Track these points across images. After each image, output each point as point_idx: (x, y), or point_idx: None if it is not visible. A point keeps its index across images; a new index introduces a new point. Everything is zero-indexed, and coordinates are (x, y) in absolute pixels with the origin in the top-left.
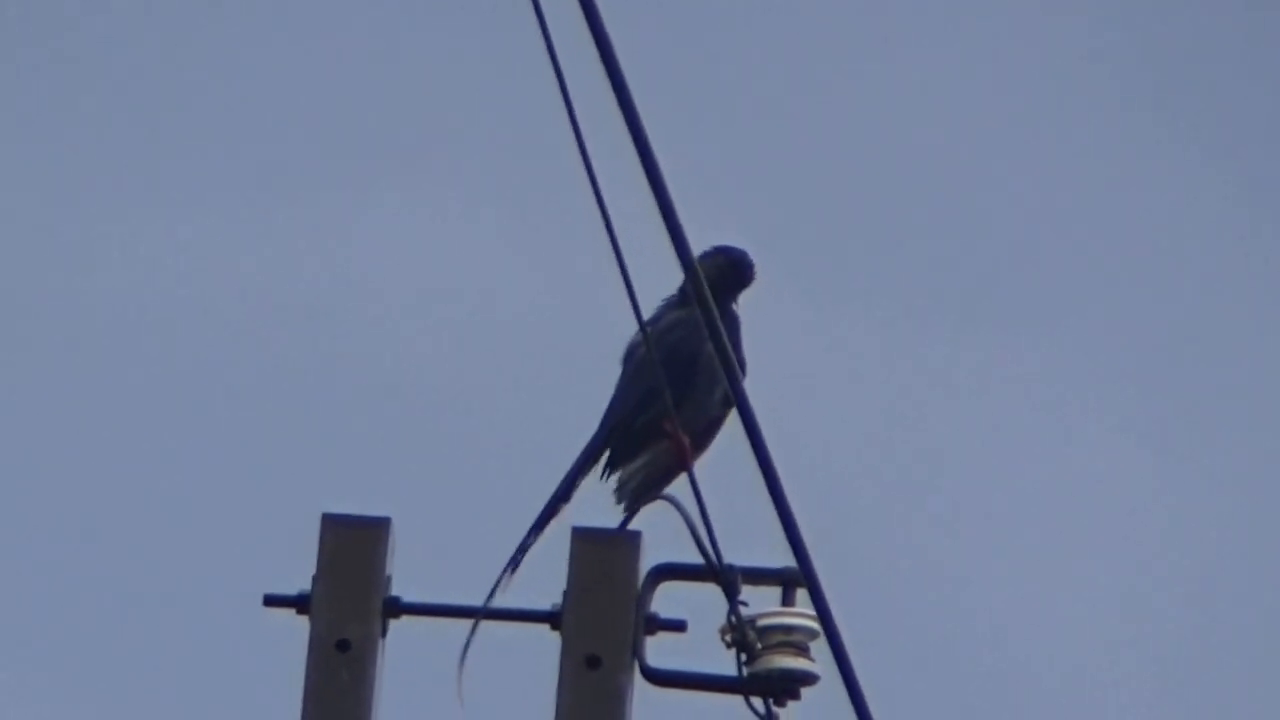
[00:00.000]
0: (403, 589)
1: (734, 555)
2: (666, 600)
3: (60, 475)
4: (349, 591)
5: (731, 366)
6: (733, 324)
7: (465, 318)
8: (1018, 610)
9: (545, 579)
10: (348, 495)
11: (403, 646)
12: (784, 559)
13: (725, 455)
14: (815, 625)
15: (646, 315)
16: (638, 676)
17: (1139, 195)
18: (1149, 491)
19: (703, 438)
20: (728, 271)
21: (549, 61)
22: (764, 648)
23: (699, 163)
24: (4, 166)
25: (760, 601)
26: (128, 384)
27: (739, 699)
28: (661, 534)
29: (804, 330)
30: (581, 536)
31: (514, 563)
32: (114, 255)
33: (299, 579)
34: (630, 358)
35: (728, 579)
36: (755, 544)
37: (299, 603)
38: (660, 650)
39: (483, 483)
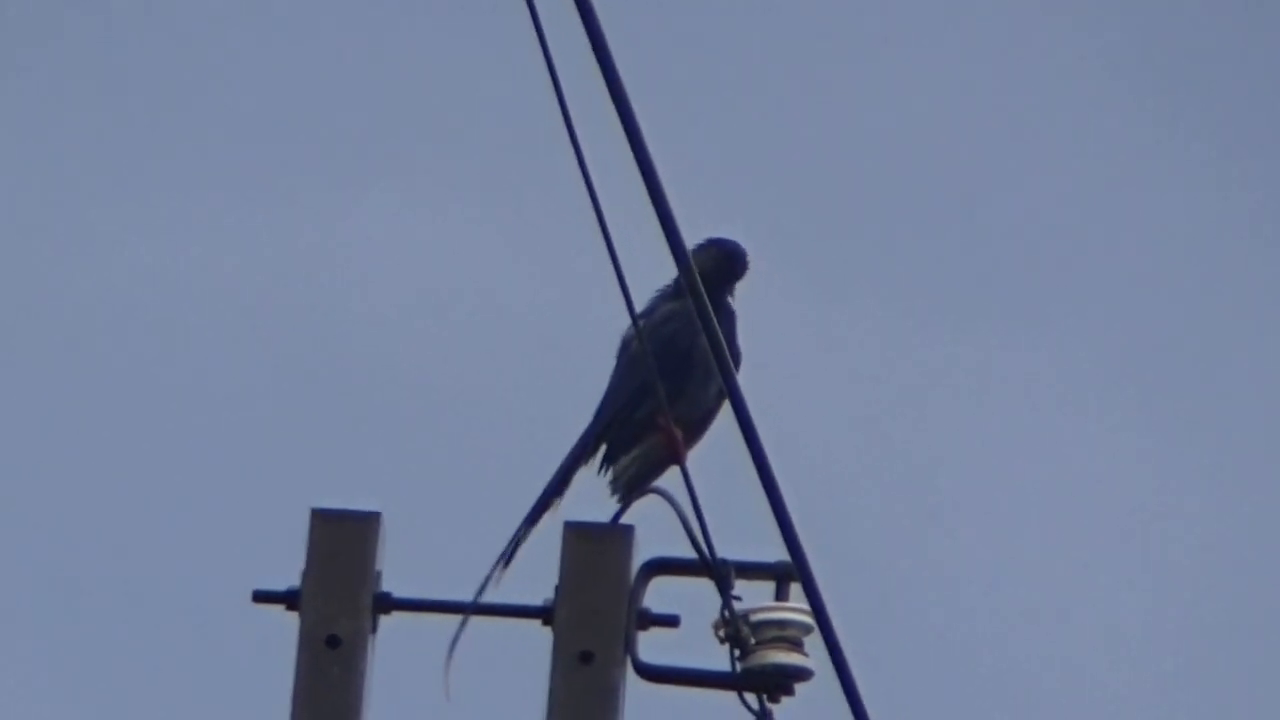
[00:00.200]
0: (393, 584)
1: (727, 549)
2: (659, 595)
3: (48, 470)
4: (339, 587)
5: (724, 359)
6: (727, 316)
7: (456, 311)
8: (1015, 606)
9: (537, 574)
10: (337, 490)
11: (393, 642)
12: (778, 553)
13: (719, 448)
14: (809, 620)
15: (640, 308)
16: (630, 672)
17: (1141, 192)
18: (1150, 487)
19: (697, 430)
20: (721, 263)
21: (542, 56)
22: (758, 643)
23: (696, 156)
24: None
25: (754, 596)
26: (118, 379)
27: (732, 695)
28: (654, 528)
29: (800, 322)
30: (573, 531)
31: (506, 556)
32: (104, 252)
33: (288, 574)
34: (625, 350)
35: (721, 573)
36: (749, 538)
37: (288, 598)
38: (653, 645)
39: (474, 477)
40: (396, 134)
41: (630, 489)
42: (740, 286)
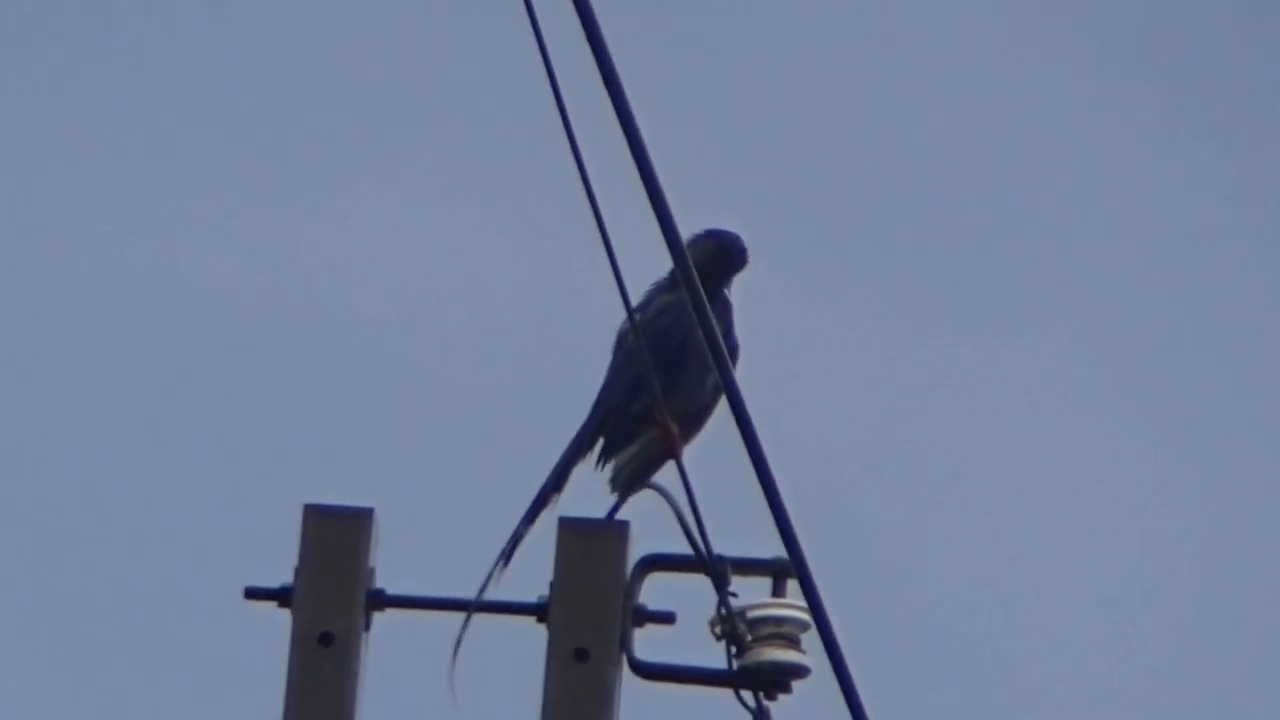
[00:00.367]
0: (387, 581)
1: (723, 545)
2: (655, 592)
3: (39, 466)
4: (332, 584)
5: (719, 352)
6: (724, 308)
7: (451, 305)
8: (1014, 602)
9: (532, 570)
10: (330, 485)
11: (387, 640)
12: (775, 549)
13: (715, 443)
14: (806, 617)
15: (636, 301)
16: (626, 669)
17: (1142, 187)
18: (1151, 484)
19: (694, 424)
20: (717, 256)
21: (535, 46)
22: (754, 640)
23: (693, 148)
24: None
25: (750, 593)
26: (109, 374)
27: (729, 692)
28: (650, 524)
29: (798, 315)
30: (568, 527)
31: (506, 555)
32: (96, 248)
33: (281, 571)
34: (622, 344)
35: (717, 570)
36: (746, 534)
37: (281, 595)
38: (649, 642)
39: (468, 473)
40: (390, 129)
41: (626, 484)
42: (738, 279)
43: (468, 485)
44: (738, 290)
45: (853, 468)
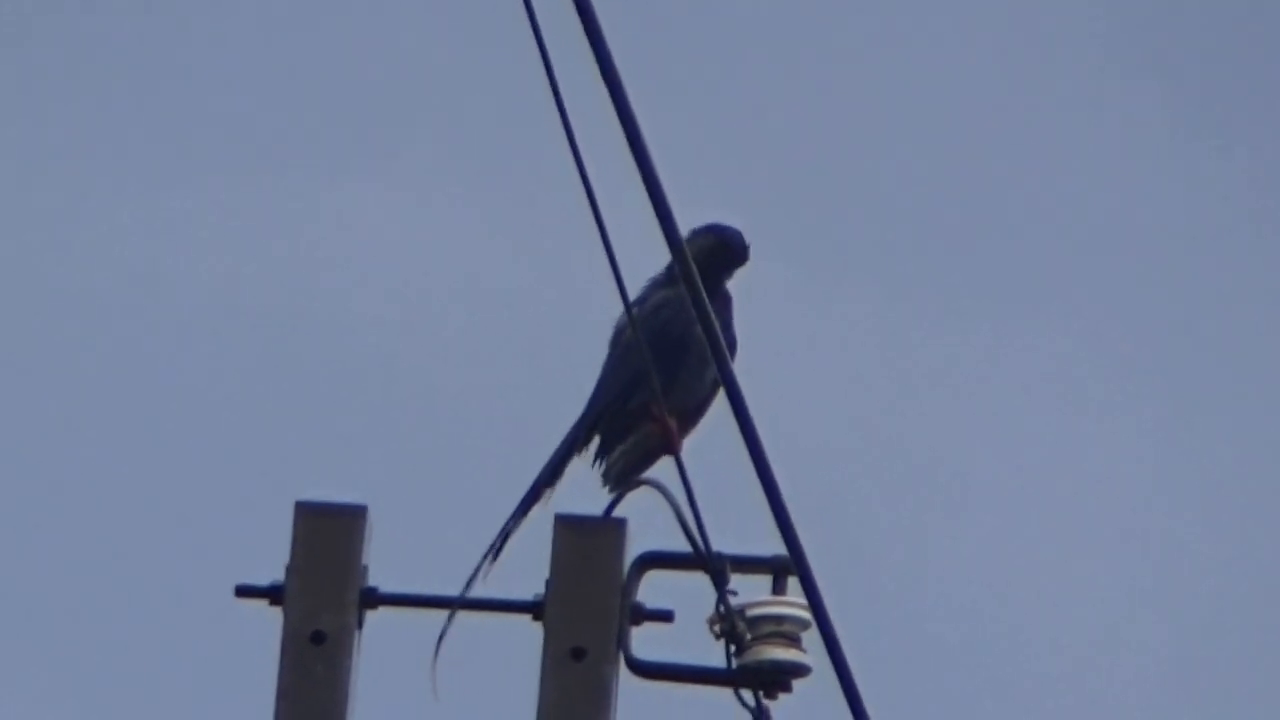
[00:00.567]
0: (380, 579)
1: (723, 542)
2: (653, 589)
3: (28, 462)
4: (324, 582)
5: (718, 346)
6: (723, 303)
7: (445, 300)
8: (1017, 600)
9: (527, 568)
10: (322, 482)
11: (380, 638)
12: (774, 546)
13: (714, 439)
14: (807, 615)
15: (633, 296)
16: (623, 668)
17: (1149, 179)
18: (1155, 482)
19: (692, 420)
20: (717, 250)
21: (533, 41)
22: (754, 638)
23: (692, 142)
24: None
25: (750, 590)
26: (98, 369)
27: (728, 691)
28: (648, 521)
29: (799, 308)
30: (565, 523)
31: (495, 549)
32: (86, 243)
33: (272, 569)
34: (618, 339)
35: (716, 567)
36: (745, 531)
37: (272, 593)
38: (646, 641)
39: (463, 469)
40: (386, 125)
41: (623, 480)
42: (738, 274)
43: (462, 482)
44: (737, 287)
45: (854, 464)
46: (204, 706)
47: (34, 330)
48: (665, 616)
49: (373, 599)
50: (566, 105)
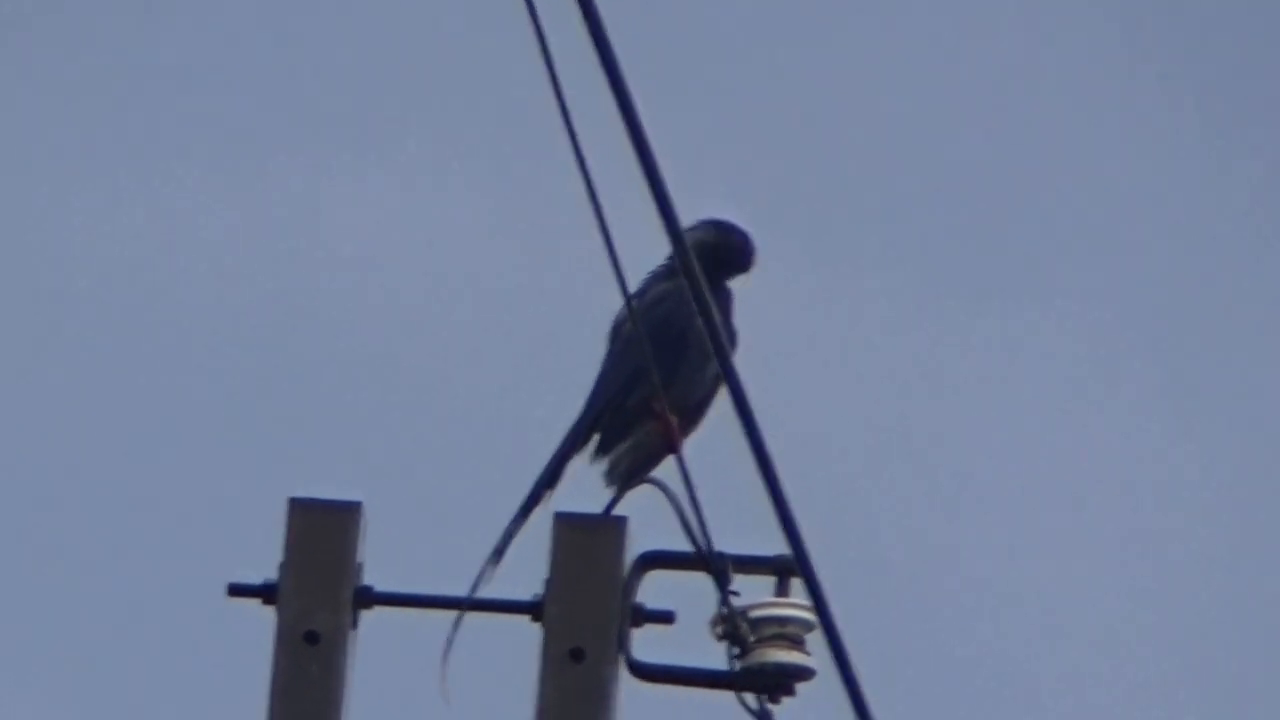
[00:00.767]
0: (375, 578)
1: (725, 542)
2: (654, 590)
3: (16, 460)
4: (318, 580)
5: (719, 340)
6: (723, 296)
7: (442, 293)
8: (1027, 602)
9: (526, 567)
10: (316, 478)
11: (374, 638)
12: (778, 546)
13: (716, 436)
14: (811, 617)
15: (633, 289)
16: (623, 670)
17: (1161, 163)
18: (1169, 476)
19: (693, 416)
20: (718, 246)
21: (532, 30)
22: (757, 640)
23: (695, 125)
24: None
25: (753, 591)
26: (89, 365)
27: (730, 694)
28: (649, 520)
29: (801, 299)
30: (564, 522)
31: (498, 552)
32: (76, 238)
33: (265, 567)
34: (618, 334)
35: (718, 567)
36: (748, 530)
37: (265, 592)
38: (647, 643)
39: (459, 465)
40: (382, 109)
41: (624, 479)
42: (739, 280)
43: (458, 478)
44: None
45: (859, 461)
46: (195, 709)
47: (24, 326)
48: (666, 618)
49: (368, 598)
50: (567, 95)
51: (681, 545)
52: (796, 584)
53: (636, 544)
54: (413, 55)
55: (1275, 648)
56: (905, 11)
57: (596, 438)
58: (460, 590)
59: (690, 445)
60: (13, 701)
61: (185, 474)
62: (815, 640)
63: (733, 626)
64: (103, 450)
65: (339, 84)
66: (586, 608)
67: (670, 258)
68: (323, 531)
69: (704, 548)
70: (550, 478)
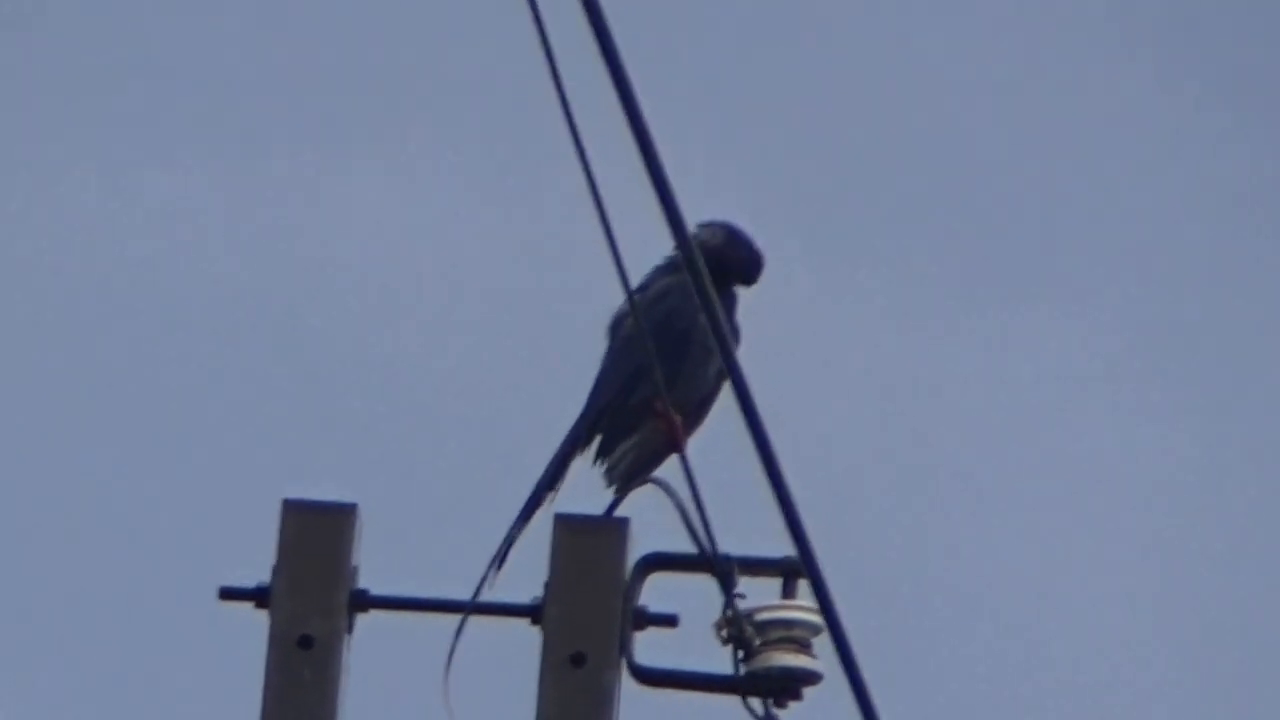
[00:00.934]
0: (370, 581)
1: (730, 543)
2: (657, 593)
3: (4, 460)
4: (312, 584)
5: (723, 336)
6: (728, 294)
7: (440, 291)
8: (1038, 604)
9: (526, 570)
10: (311, 479)
11: (370, 643)
12: (784, 547)
13: (720, 435)
14: (818, 619)
15: (634, 284)
16: (625, 675)
17: (1162, 162)
18: (1179, 478)
19: (696, 414)
20: (727, 256)
21: (533, 23)
22: (762, 644)
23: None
24: None
25: (758, 594)
26: (79, 363)
27: (736, 699)
28: (651, 521)
29: (807, 297)
30: (564, 524)
31: (499, 558)
32: (68, 233)
33: (258, 570)
34: (617, 329)
35: (723, 569)
36: (753, 531)
37: (258, 596)
38: (650, 647)
39: (457, 466)
40: (380, 103)
41: (626, 479)
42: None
43: (456, 479)
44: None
45: (867, 461)
46: (187, 714)
47: (16, 324)
48: (669, 621)
49: (363, 602)
50: (569, 91)
51: (685, 547)
52: (803, 586)
53: (639, 546)
54: (413, 51)
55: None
56: (910, 10)
57: (598, 438)
58: (459, 594)
59: (694, 444)
60: (0, 705)
61: (175, 473)
62: (822, 644)
63: (738, 630)
64: (92, 449)
65: (338, 81)
66: (588, 611)
67: (675, 250)
68: (317, 533)
69: (708, 549)
70: (550, 479)
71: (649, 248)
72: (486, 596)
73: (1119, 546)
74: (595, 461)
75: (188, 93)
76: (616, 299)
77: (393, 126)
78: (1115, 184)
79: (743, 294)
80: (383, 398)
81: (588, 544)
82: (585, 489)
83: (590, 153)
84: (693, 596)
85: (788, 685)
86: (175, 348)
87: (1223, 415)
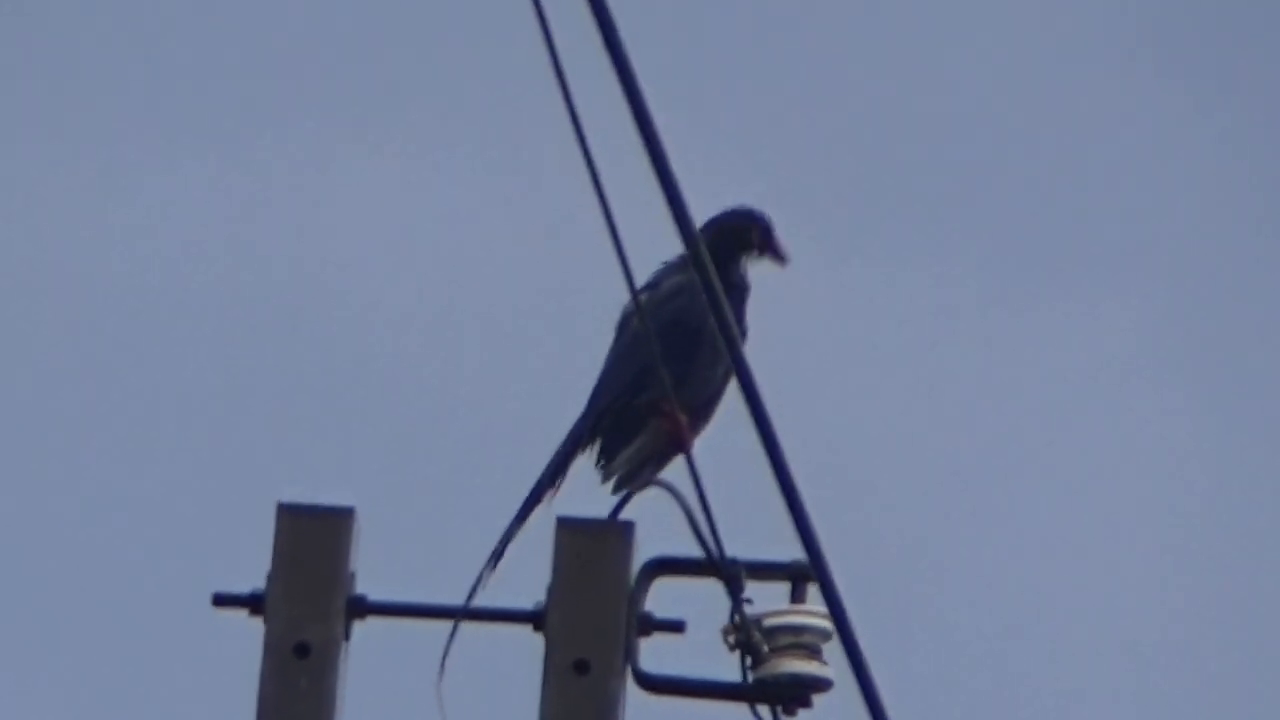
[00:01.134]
0: (368, 587)
1: (737, 547)
2: (662, 598)
3: None
4: (308, 590)
5: (730, 335)
6: (738, 291)
7: (439, 290)
8: (1052, 610)
9: (528, 574)
10: (307, 483)
11: (368, 650)
12: (793, 551)
13: (727, 436)
14: (828, 625)
15: (643, 281)
16: (630, 682)
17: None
18: (1198, 481)
19: (703, 415)
20: (727, 232)
21: (535, 14)
22: (771, 650)
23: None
24: None
25: (767, 599)
26: (72, 364)
27: (744, 707)
28: (657, 524)
29: (818, 294)
30: (567, 527)
31: (495, 557)
32: (61, 231)
33: (252, 576)
34: (624, 328)
35: (731, 574)
36: (761, 535)
37: (252, 602)
38: (655, 653)
39: (456, 469)
40: (379, 92)
41: (630, 481)
42: (756, 260)
43: (455, 483)
44: (756, 272)
45: (878, 463)
46: None
47: (8, 324)
48: (676, 627)
49: (360, 608)
50: (573, 85)
51: (691, 550)
52: (813, 591)
53: (644, 549)
54: (414, 49)
55: None
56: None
57: (601, 439)
58: (457, 599)
59: (700, 445)
60: None
61: (169, 477)
62: (832, 650)
63: (746, 636)
64: (84, 451)
65: (339, 81)
66: (591, 617)
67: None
68: (313, 538)
69: (715, 553)
70: (551, 478)
71: (654, 247)
72: (486, 601)
73: (1142, 555)
74: (598, 463)
75: (187, 92)
76: (623, 297)
77: (393, 127)
78: (1143, 182)
79: (756, 289)
80: (380, 399)
81: (591, 548)
82: (588, 492)
83: (596, 149)
84: (699, 601)
85: (797, 692)
86: (170, 349)
87: (1250, 417)
